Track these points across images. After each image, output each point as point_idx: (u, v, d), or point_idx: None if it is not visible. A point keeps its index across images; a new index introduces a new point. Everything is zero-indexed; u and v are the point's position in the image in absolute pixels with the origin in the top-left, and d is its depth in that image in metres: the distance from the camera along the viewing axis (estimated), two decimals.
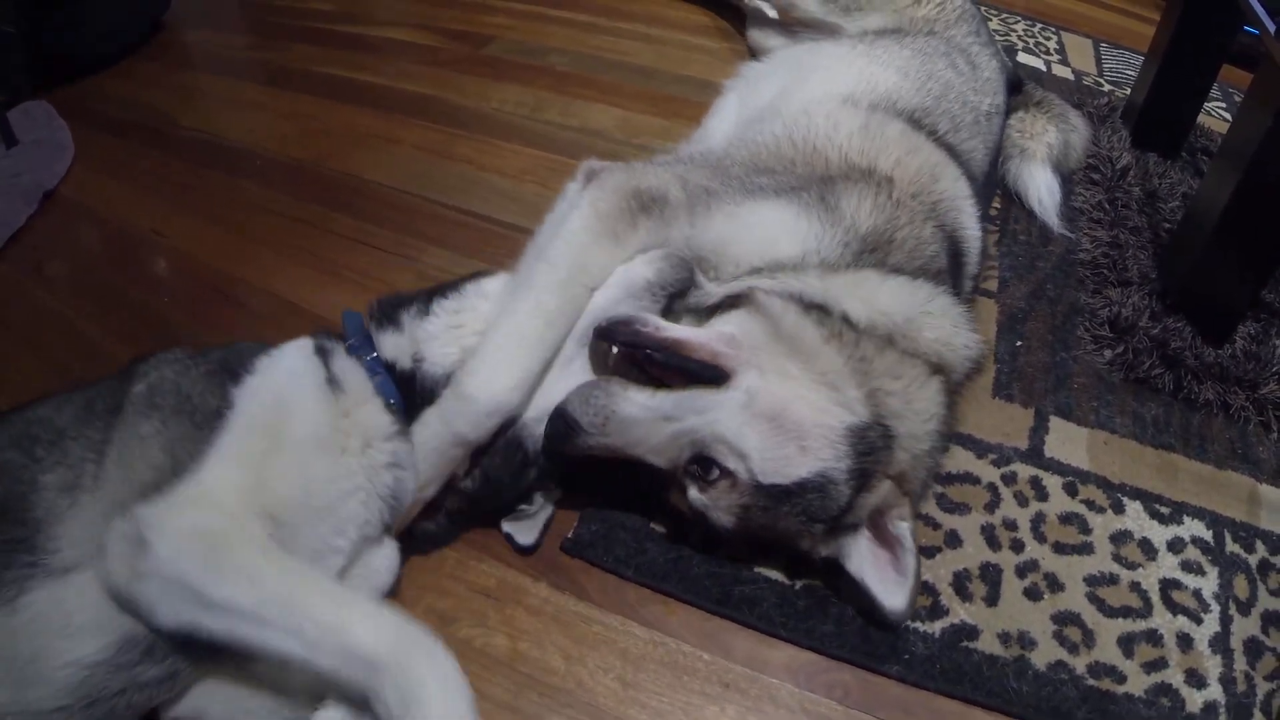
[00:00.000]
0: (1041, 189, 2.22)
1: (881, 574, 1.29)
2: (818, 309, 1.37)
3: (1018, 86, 2.39)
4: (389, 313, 1.42)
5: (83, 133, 2.44)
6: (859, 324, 1.38)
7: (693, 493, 1.30)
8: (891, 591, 1.28)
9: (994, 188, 2.24)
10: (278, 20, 3.16)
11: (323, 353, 1.32)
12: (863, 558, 1.30)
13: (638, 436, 1.29)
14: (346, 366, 1.32)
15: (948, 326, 1.47)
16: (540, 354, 1.36)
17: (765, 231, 1.51)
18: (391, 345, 1.38)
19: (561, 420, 1.29)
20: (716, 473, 1.27)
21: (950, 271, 1.61)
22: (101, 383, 1.23)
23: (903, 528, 1.28)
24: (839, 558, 1.32)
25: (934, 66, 1.99)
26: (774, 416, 1.27)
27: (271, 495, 1.12)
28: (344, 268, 1.95)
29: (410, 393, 1.35)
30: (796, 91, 1.94)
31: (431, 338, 1.38)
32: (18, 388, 1.70)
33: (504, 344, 1.35)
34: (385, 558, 1.30)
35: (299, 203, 2.15)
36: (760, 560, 1.43)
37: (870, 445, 1.28)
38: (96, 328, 1.85)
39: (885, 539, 1.30)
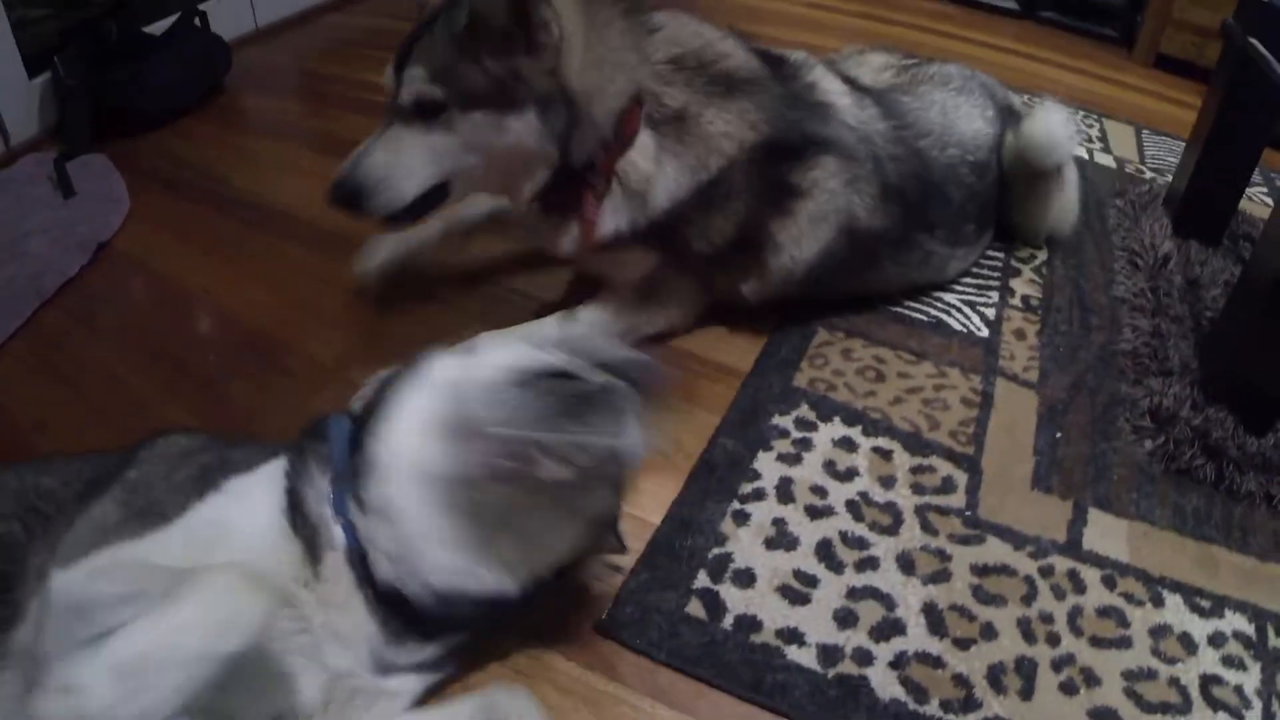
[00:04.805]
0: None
1: None
2: None
3: None
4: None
5: (138, 187, 2.52)
6: None
7: None
8: None
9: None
10: (332, 89, 3.25)
11: (296, 502, 1.16)
12: None
13: None
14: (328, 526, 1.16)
15: None
16: None
17: None
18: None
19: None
20: None
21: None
22: (111, 458, 1.19)
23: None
24: None
25: None
26: None
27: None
28: (386, 337, 2.00)
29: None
30: None
31: None
32: (61, 433, 1.76)
33: None
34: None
35: (346, 270, 2.17)
36: None
37: None
38: (142, 379, 1.90)
39: None
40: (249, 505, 1.14)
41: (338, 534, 1.16)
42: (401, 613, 1.17)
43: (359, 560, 1.15)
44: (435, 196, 1.74)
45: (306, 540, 1.14)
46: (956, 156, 2.15)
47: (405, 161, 1.68)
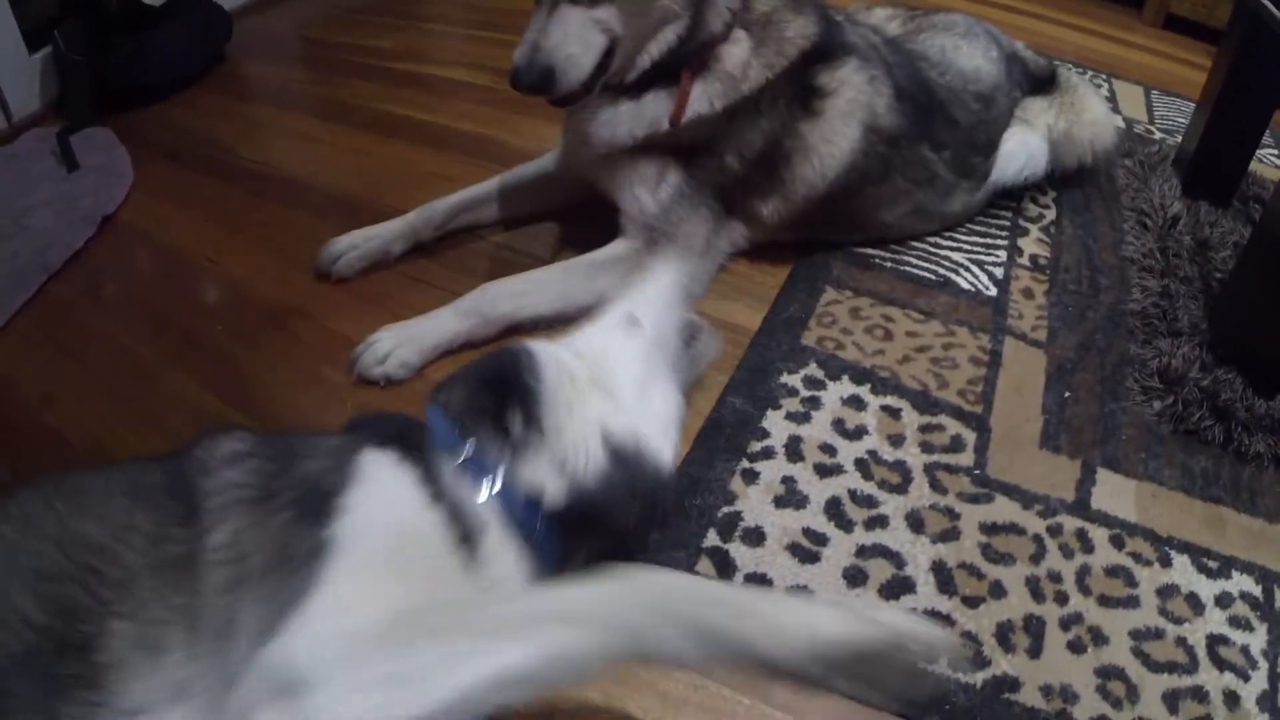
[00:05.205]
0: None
1: None
2: None
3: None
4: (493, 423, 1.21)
5: (143, 159, 2.51)
6: None
7: None
8: None
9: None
10: (337, 56, 3.23)
11: (453, 508, 1.10)
12: None
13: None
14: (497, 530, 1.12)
15: None
16: None
17: None
18: (528, 468, 1.19)
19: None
20: None
21: None
22: (154, 479, 1.10)
23: None
24: None
25: None
26: None
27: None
28: (397, 304, 1.98)
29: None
30: None
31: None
32: (68, 406, 1.76)
33: None
34: None
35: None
36: None
37: None
38: (149, 350, 1.90)
39: None
40: (382, 523, 1.07)
41: (489, 517, 1.13)
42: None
43: (531, 524, 1.15)
44: (603, 66, 1.85)
45: (456, 533, 1.09)
46: (957, 84, 2.25)
47: (580, 35, 1.78)
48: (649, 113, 1.93)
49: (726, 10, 1.90)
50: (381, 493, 1.09)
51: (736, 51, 1.94)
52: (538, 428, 1.22)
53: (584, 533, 1.22)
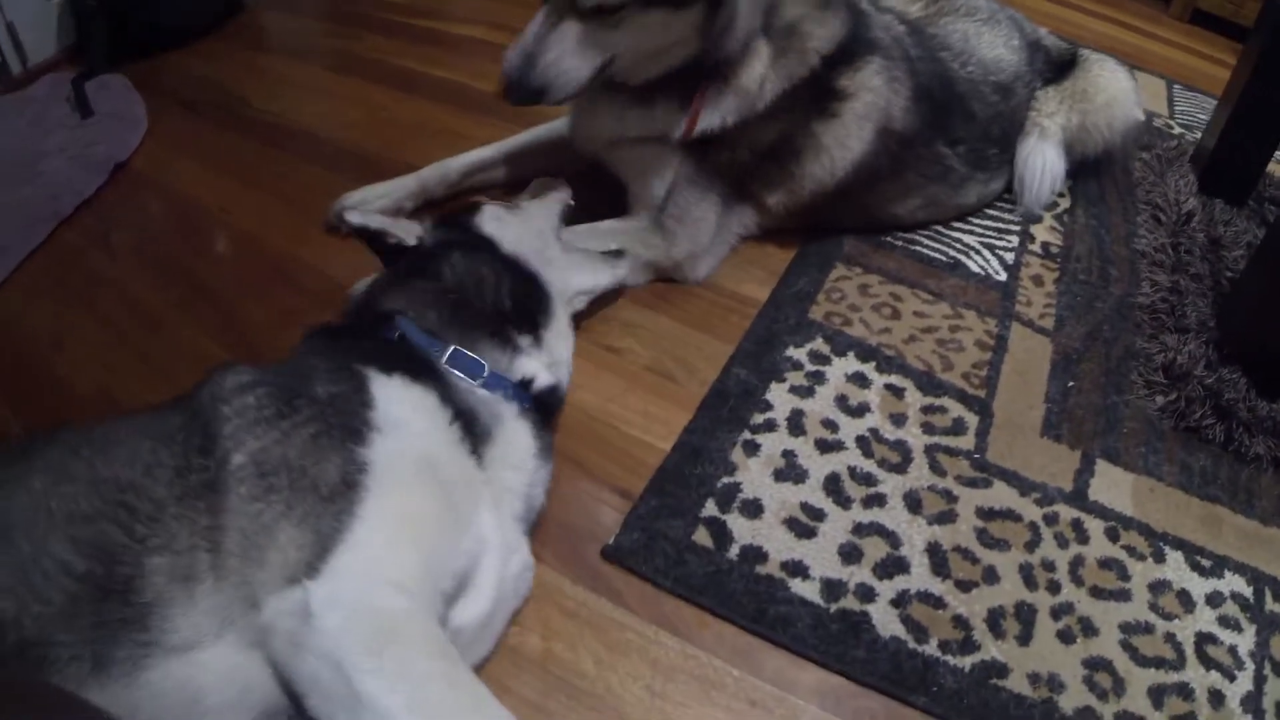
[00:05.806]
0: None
1: None
2: None
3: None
4: (497, 330, 1.45)
5: (158, 108, 2.47)
6: None
7: None
8: None
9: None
10: (355, 9, 3.18)
11: (448, 396, 1.27)
12: None
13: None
14: (488, 410, 1.33)
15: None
16: None
17: None
18: (525, 365, 1.45)
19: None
20: None
21: None
22: (173, 420, 1.14)
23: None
24: None
25: None
26: None
27: (440, 572, 1.09)
28: None
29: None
30: None
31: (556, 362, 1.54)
32: (76, 352, 1.76)
33: None
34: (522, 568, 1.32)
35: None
36: None
37: None
38: (157, 298, 1.90)
39: None
40: (416, 431, 1.20)
41: (505, 407, 1.36)
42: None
43: (533, 401, 1.42)
44: (600, 72, 1.80)
45: (471, 431, 1.27)
46: (978, 75, 2.20)
47: (581, 53, 1.73)
48: (658, 121, 1.89)
49: (744, 34, 1.82)
50: (401, 415, 1.19)
51: (755, 66, 1.88)
52: (538, 339, 1.50)
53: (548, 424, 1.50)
